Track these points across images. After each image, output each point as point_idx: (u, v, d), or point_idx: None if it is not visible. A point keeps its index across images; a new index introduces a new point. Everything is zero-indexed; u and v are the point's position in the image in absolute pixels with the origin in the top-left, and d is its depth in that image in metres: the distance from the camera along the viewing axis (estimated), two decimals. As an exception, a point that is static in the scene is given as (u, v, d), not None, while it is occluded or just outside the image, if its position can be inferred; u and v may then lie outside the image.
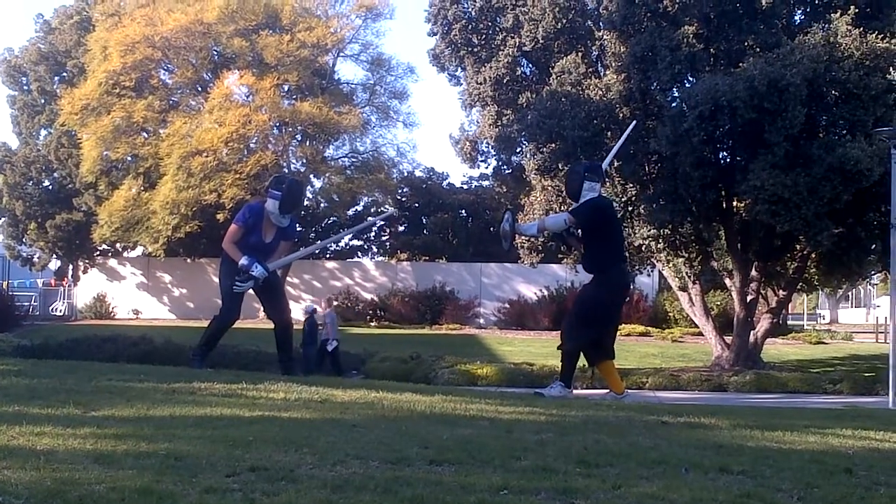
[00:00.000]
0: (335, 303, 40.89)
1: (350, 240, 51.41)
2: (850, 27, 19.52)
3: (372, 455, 5.26)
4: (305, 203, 44.58)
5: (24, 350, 19.41)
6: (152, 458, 4.87)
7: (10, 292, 39.69)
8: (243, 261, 10.44)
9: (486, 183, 48.88)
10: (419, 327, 37.37)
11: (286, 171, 39.82)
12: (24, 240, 44.85)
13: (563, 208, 23.57)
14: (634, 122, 15.92)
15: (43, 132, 45.22)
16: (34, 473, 4.36)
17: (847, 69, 18.98)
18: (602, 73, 23.30)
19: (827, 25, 20.14)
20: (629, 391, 13.36)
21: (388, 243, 51.59)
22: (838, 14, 19.93)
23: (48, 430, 5.53)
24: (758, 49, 20.36)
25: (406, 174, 47.32)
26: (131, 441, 5.36)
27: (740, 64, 19.79)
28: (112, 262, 46.19)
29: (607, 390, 11.18)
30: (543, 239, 20.10)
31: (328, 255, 49.03)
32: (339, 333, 22.14)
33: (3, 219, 44.98)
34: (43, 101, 44.47)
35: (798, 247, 22.79)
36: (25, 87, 45.44)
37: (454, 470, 5.00)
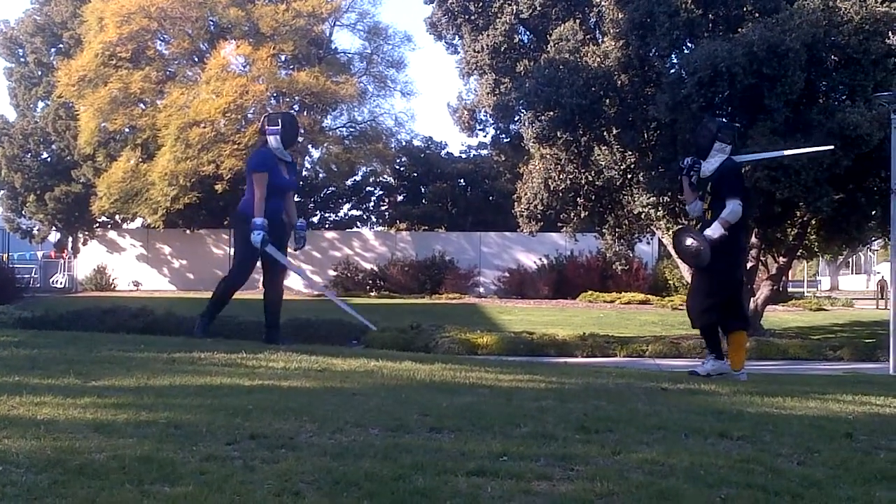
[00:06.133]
0: (334, 273, 41.10)
1: (349, 209, 51.62)
2: (849, -9, 19.45)
3: (372, 423, 5.28)
4: (304, 173, 44.71)
5: (25, 322, 19.42)
6: (152, 427, 4.89)
7: (10, 265, 39.65)
8: (257, 220, 10.43)
9: (484, 152, 48.76)
10: (419, 297, 37.32)
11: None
12: (23, 212, 44.81)
13: (560, 177, 23.52)
14: (831, 147, 14.80)
15: (40, 104, 45.07)
16: (35, 442, 4.37)
17: (847, 34, 18.90)
18: (600, 40, 23.18)
19: (826, -10, 20.05)
20: (631, 359, 13.29)
21: (387, 213, 51.59)
22: (837, -22, 19.84)
23: (48, 400, 5.55)
24: (757, 14, 20.24)
25: (404, 144, 47.23)
26: (132, 410, 5.38)
27: (739, 29, 19.69)
28: (112, 234, 46.17)
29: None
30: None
31: (327, 226, 49.10)
32: None
33: (1, 191, 44.94)
34: (40, 72, 44.33)
35: (798, 213, 22.73)
36: (22, 59, 45.27)
37: (454, 437, 5.02)
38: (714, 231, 9.60)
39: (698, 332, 10.84)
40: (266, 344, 10.22)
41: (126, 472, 3.95)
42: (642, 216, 23.47)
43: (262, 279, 11.11)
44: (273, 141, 10.77)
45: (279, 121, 10.95)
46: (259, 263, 10.86)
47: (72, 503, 3.53)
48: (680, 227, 10.09)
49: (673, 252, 9.78)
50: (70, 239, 46.58)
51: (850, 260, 67.04)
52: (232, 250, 11.04)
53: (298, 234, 11.44)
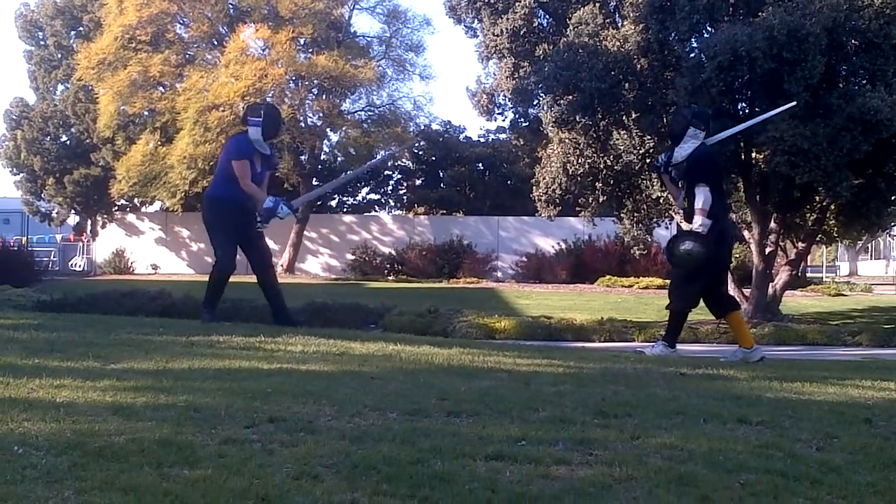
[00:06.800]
0: (352, 257, 41.18)
1: (367, 193, 51.58)
2: (870, -26, 19.32)
3: (390, 406, 5.28)
4: (322, 157, 44.68)
5: (44, 304, 19.48)
6: (171, 410, 4.90)
7: (29, 248, 39.79)
8: (268, 203, 10.33)
9: (503, 136, 48.80)
10: (437, 281, 37.29)
11: (302, 124, 39.89)
12: (42, 195, 44.99)
13: (579, 161, 23.48)
14: (793, 103, 14.64)
15: (60, 87, 45.20)
16: (54, 425, 4.38)
17: (867, 18, 18.79)
18: (620, 24, 23.10)
19: (847, -27, 19.92)
20: (647, 345, 13.24)
21: (405, 197, 51.62)
22: (859, -39, 19.70)
23: (68, 383, 5.55)
24: (777, -2, 20.16)
25: (423, 127, 47.17)
26: (150, 393, 5.39)
27: (759, 13, 19.59)
28: (130, 217, 46.33)
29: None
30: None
31: (345, 210, 49.13)
32: None
33: (21, 174, 45.07)
34: (59, 55, 44.44)
35: (817, 198, 22.66)
36: (42, 42, 45.38)
37: (472, 421, 5.01)
38: (697, 225, 9.57)
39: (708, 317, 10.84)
40: (282, 326, 10.19)
41: (145, 454, 3.96)
42: (661, 201, 23.42)
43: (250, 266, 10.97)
44: (253, 132, 10.43)
45: (261, 112, 10.61)
46: (240, 250, 10.71)
47: (91, 486, 3.54)
48: (669, 240, 10.10)
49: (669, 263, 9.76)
50: (89, 222, 46.73)
51: (870, 245, 66.79)
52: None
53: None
